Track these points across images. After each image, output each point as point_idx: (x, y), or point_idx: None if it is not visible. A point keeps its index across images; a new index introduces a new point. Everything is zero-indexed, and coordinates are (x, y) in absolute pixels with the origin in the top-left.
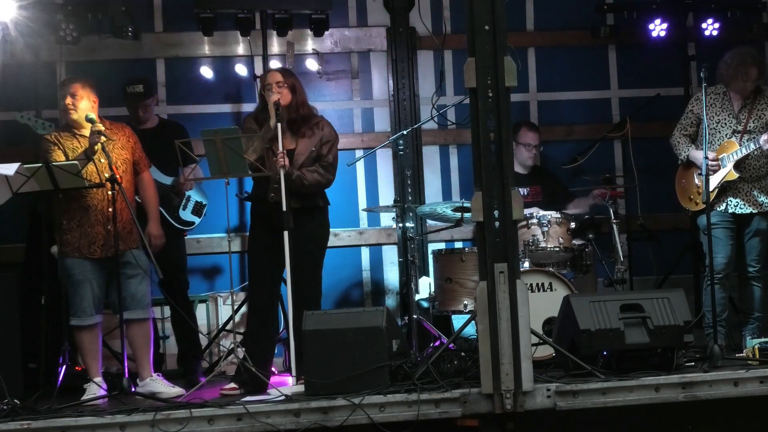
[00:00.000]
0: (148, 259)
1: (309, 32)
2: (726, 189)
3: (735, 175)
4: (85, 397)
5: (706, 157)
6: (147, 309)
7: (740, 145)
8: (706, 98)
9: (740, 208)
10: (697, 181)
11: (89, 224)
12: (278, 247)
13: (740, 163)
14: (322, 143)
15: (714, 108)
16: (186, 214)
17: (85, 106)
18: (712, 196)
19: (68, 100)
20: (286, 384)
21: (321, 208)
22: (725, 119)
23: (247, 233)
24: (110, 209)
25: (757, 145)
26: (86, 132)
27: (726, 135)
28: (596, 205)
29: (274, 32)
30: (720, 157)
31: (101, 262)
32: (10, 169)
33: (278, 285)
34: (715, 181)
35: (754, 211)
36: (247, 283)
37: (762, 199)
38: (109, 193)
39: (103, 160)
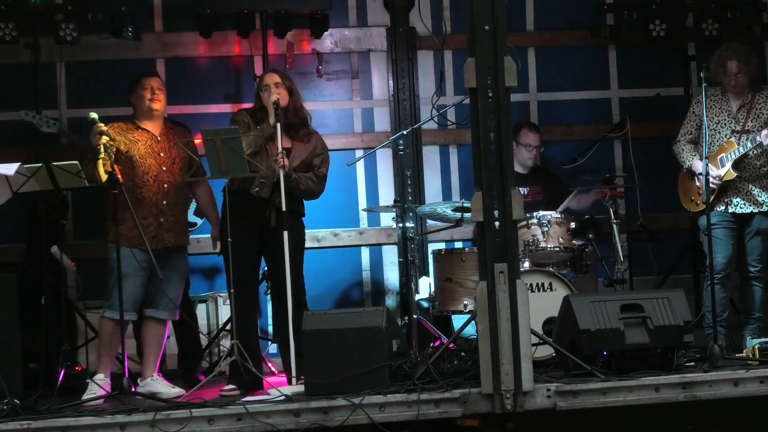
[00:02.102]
0: (150, 259)
1: (309, 32)
2: (726, 189)
3: (733, 174)
4: (85, 396)
5: (706, 157)
6: (173, 311)
7: (738, 145)
8: (706, 100)
9: (740, 207)
10: (697, 182)
11: (142, 216)
12: (259, 244)
13: (739, 162)
14: (315, 154)
15: (713, 109)
16: (188, 215)
17: (163, 100)
18: (713, 196)
19: (157, 90)
20: (285, 384)
21: (300, 213)
22: (724, 120)
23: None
24: (164, 202)
25: (756, 142)
26: (149, 126)
27: (725, 135)
28: (597, 200)
29: (274, 32)
30: (719, 157)
31: (150, 255)
32: (10, 169)
33: (258, 282)
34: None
35: (754, 211)
36: None
37: (762, 198)
38: (165, 185)
39: (162, 154)
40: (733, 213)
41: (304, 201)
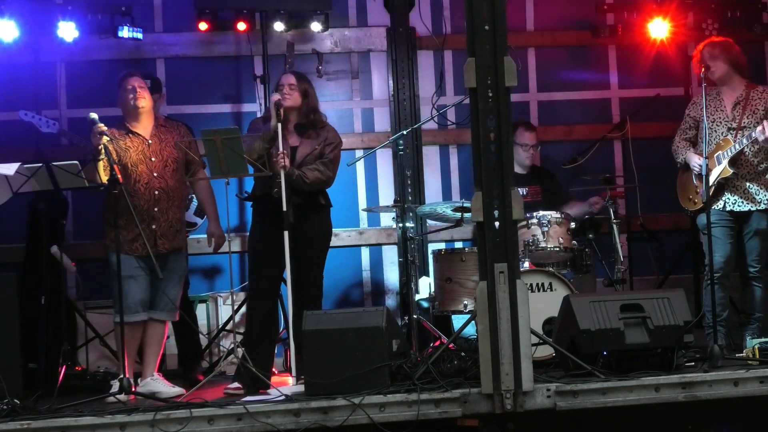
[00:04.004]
0: (150, 261)
1: (309, 32)
2: (723, 187)
3: (730, 171)
4: (111, 391)
5: (706, 157)
6: (172, 312)
7: (734, 142)
8: (701, 101)
9: (738, 205)
10: (695, 181)
11: (135, 222)
12: (281, 247)
13: (736, 160)
14: (325, 144)
15: (709, 109)
16: (189, 215)
17: (148, 97)
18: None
19: (138, 88)
20: (286, 384)
21: (323, 207)
22: (719, 118)
23: (248, 233)
24: (155, 209)
25: (751, 138)
26: (139, 128)
27: (722, 133)
28: (591, 212)
29: (274, 32)
30: (716, 154)
31: (145, 261)
32: (10, 169)
33: (279, 285)
34: (711, 179)
35: (752, 208)
36: (247, 283)
37: (760, 196)
38: (156, 192)
39: (154, 159)
40: (731, 211)
41: (327, 191)
